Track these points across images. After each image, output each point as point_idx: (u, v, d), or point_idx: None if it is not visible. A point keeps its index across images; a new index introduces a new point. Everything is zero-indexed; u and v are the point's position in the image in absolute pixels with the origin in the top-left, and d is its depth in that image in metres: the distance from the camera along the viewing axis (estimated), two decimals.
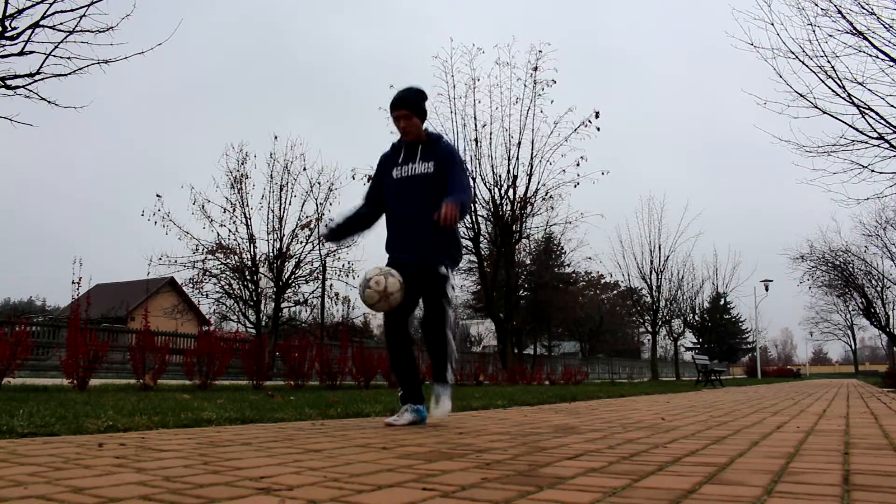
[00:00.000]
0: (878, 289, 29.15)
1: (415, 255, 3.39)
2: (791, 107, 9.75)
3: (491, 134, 18.08)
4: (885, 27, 8.95)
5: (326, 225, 3.76)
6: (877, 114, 9.45)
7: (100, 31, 8.07)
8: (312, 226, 15.23)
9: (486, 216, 18.62)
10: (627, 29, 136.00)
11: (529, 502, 1.35)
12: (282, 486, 1.48)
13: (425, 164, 3.45)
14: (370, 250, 17.61)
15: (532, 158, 18.16)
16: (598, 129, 17.78)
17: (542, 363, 25.80)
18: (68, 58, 7.98)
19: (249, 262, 14.97)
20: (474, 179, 17.95)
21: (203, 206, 14.68)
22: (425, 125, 3.62)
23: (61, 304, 40.32)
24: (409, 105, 3.45)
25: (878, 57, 9.09)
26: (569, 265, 29.31)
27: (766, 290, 33.25)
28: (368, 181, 17.86)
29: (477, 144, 17.90)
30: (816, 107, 9.66)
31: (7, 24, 7.79)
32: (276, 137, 15.42)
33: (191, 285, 15.08)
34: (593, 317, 34.77)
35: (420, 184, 3.44)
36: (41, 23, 7.89)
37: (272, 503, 1.32)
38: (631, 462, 1.96)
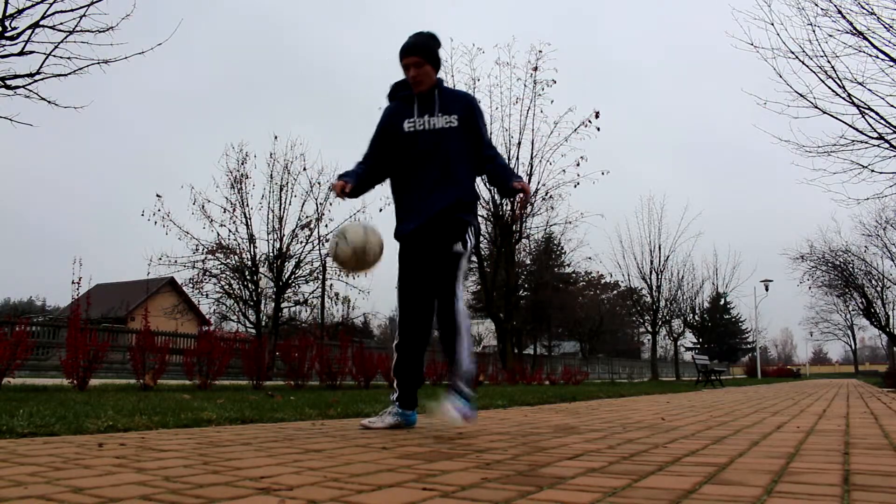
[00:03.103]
0: (878, 289, 29.15)
1: (428, 225, 2.96)
2: (791, 107, 9.78)
3: (491, 134, 18.07)
4: (885, 27, 8.96)
5: (341, 184, 3.05)
6: (877, 114, 9.46)
7: (100, 31, 8.08)
8: (312, 226, 15.23)
9: (486, 216, 18.63)
10: (626, 30, 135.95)
11: (529, 502, 1.35)
12: (282, 486, 1.48)
13: (447, 116, 3.01)
14: None
15: (532, 158, 18.18)
16: (598, 129, 17.80)
17: (542, 363, 25.80)
18: (68, 58, 8.00)
19: (249, 262, 14.97)
20: None
21: (203, 206, 14.69)
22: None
23: (61, 304, 40.35)
24: (421, 51, 3.01)
25: (878, 57, 9.11)
26: (569, 265, 29.37)
27: (766, 290, 33.28)
28: None
29: None
30: (816, 107, 9.68)
31: (7, 24, 7.79)
32: (276, 137, 15.43)
33: (191, 285, 15.08)
34: (593, 317, 34.78)
35: (442, 139, 3.00)
36: (41, 23, 7.90)
37: (272, 503, 1.32)
38: (631, 462, 1.95)
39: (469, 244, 2.98)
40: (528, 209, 18.52)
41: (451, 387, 2.85)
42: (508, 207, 18.33)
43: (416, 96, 3.08)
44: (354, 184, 3.09)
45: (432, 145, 3.00)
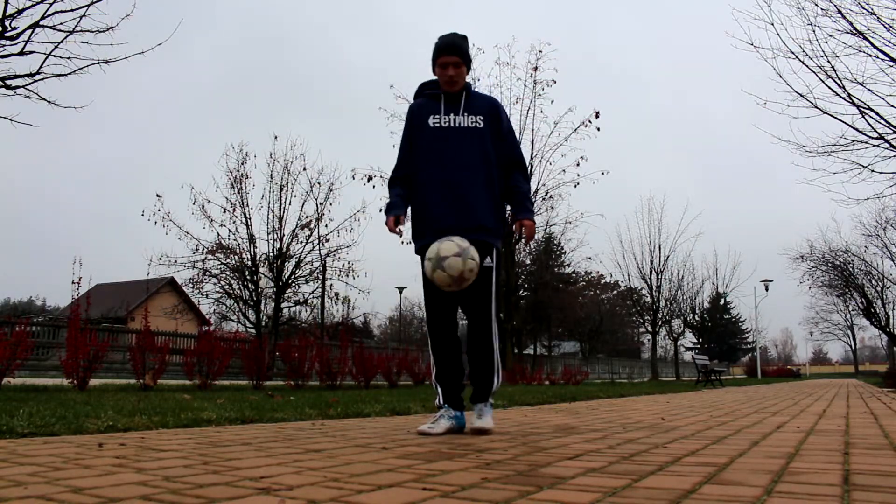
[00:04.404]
0: (878, 289, 29.15)
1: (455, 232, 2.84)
2: (791, 107, 9.80)
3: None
4: (885, 27, 8.97)
5: (391, 222, 3.01)
6: (877, 114, 9.48)
7: (100, 31, 8.10)
8: (312, 226, 15.22)
9: None
10: (626, 31, 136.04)
11: (529, 502, 1.35)
12: (282, 486, 1.48)
13: (473, 117, 3.00)
14: (370, 250, 17.57)
15: (532, 158, 18.18)
16: (598, 129, 17.82)
17: (542, 363, 25.81)
18: (68, 58, 8.02)
19: (249, 262, 14.97)
20: None
21: (203, 206, 14.68)
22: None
23: (61, 304, 40.36)
24: (460, 52, 2.97)
25: (878, 57, 9.12)
26: (569, 265, 29.36)
27: (766, 290, 33.31)
28: (368, 181, 17.74)
29: None
30: (816, 107, 9.69)
31: (7, 24, 7.80)
32: (276, 137, 15.42)
33: (191, 285, 15.07)
34: (593, 317, 34.76)
35: (467, 139, 2.96)
36: (41, 23, 7.92)
37: (272, 503, 1.32)
38: (631, 462, 1.95)
39: (496, 256, 3.01)
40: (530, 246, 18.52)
41: (478, 402, 3.00)
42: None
43: (443, 94, 3.05)
44: (404, 212, 3.07)
45: (457, 144, 2.96)
